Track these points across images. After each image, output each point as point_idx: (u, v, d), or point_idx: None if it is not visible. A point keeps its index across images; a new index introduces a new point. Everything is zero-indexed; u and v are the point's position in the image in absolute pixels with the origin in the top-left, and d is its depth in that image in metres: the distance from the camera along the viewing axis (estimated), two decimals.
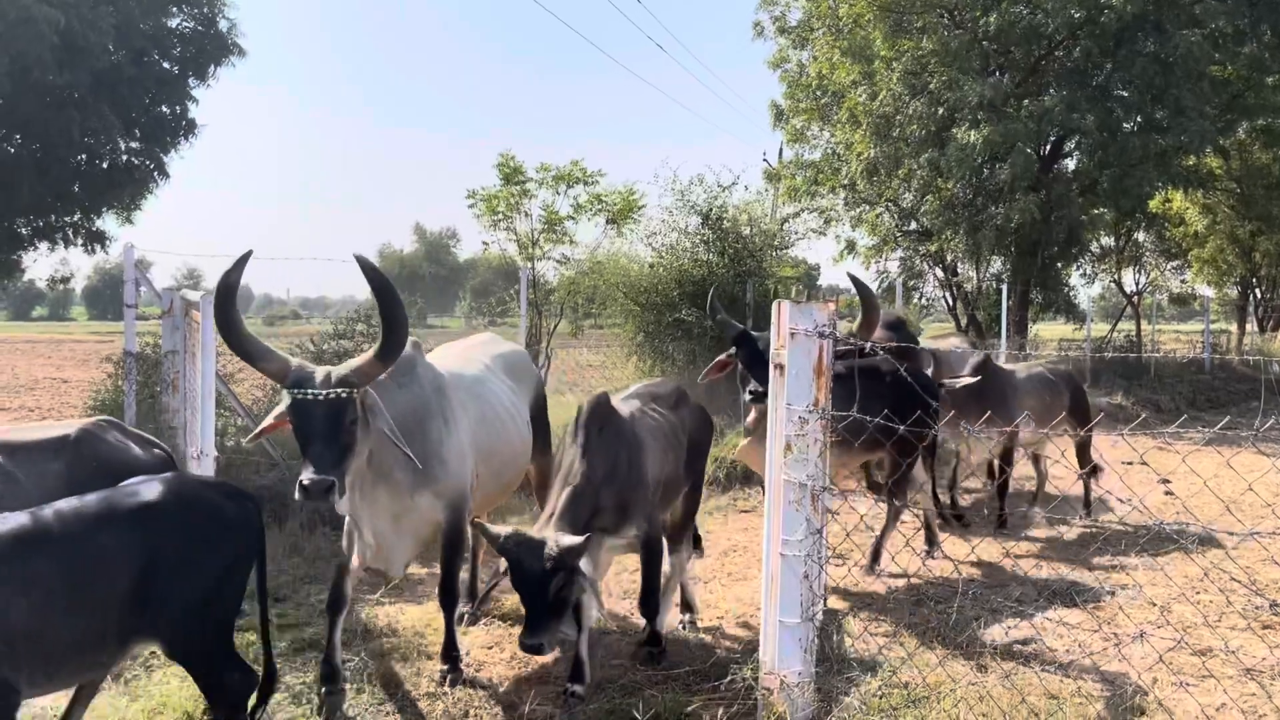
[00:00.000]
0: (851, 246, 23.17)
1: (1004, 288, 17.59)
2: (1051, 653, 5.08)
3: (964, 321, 23.22)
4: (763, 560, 3.97)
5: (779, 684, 3.79)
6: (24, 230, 10.49)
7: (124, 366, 6.72)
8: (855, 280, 6.96)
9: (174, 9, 10.08)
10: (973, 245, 18.82)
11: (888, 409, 4.87)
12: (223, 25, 10.13)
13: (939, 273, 22.97)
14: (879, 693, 3.90)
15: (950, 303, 23.48)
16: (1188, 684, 4.61)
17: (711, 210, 11.83)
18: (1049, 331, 29.59)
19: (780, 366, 3.82)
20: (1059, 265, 21.73)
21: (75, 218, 10.52)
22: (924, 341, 8.63)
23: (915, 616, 5.58)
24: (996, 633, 5.32)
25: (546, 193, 14.55)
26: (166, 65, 9.93)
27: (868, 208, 21.32)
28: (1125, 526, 7.55)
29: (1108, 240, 25.17)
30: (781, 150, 24.79)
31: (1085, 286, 25.55)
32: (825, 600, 5.64)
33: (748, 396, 6.10)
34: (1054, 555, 7.08)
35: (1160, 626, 5.41)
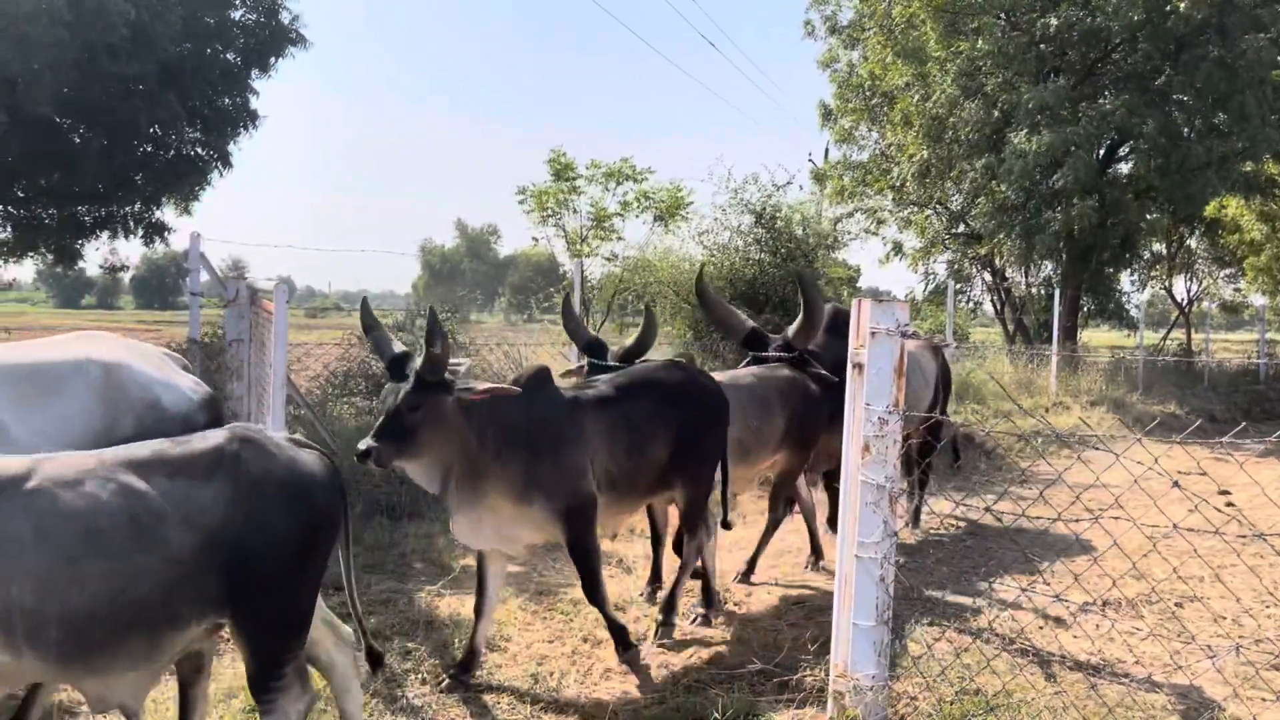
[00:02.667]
0: (899, 248, 22.98)
1: (1056, 294, 17.32)
2: (1121, 663, 4.99)
3: (1011, 327, 22.96)
4: (836, 562, 3.92)
5: (852, 687, 3.74)
6: (87, 219, 10.66)
7: (189, 354, 6.79)
8: (800, 278, 6.66)
9: (239, 2, 10.19)
10: (1025, 249, 18.58)
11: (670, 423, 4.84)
12: (285, 17, 10.22)
13: (987, 276, 22.72)
14: (953, 699, 3.84)
15: (998, 307, 23.21)
16: (1265, 699, 4.51)
17: (765, 209, 11.77)
18: (1099, 339, 29.17)
19: (859, 366, 3.77)
20: (1111, 271, 21.42)
21: (136, 207, 10.66)
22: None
23: (977, 621, 5.50)
24: (1064, 641, 5.24)
25: (595, 189, 14.62)
26: (229, 57, 10.03)
27: (916, 209, 21.12)
28: (1185, 538, 7.39)
29: (1159, 246, 24.76)
30: (828, 150, 24.65)
31: (1135, 293, 25.15)
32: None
33: None
34: (1113, 564, 6.96)
35: (1230, 639, 5.30)
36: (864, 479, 3.71)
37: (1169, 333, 26.78)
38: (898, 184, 19.83)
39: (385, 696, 4.32)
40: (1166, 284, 26.88)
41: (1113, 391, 16.22)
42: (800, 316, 6.23)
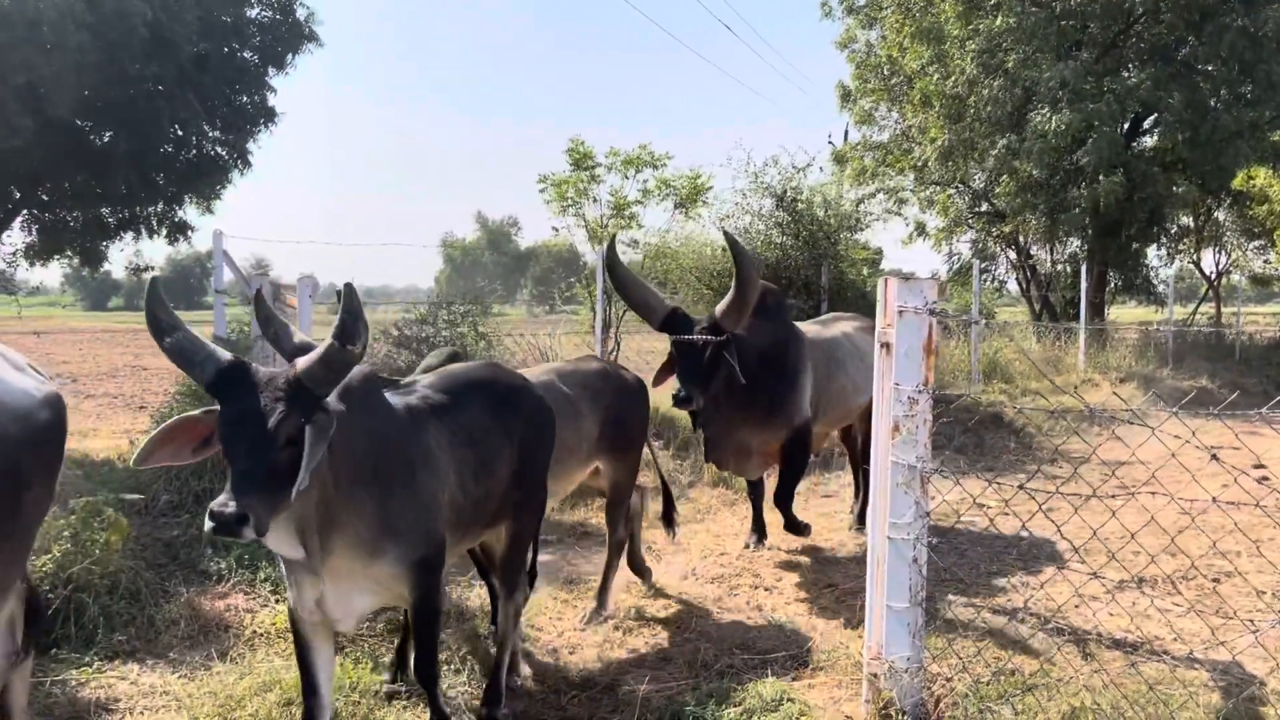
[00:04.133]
0: (921, 229, 22.82)
1: (1082, 270, 17.14)
2: (1160, 641, 4.93)
3: (1037, 305, 22.74)
4: (868, 544, 3.89)
5: (886, 669, 3.71)
6: (111, 220, 10.72)
7: None
8: (730, 240, 5.87)
9: (254, 0, 10.21)
10: (1051, 227, 18.38)
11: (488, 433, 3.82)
12: (300, 14, 10.23)
13: (1011, 254, 22.52)
14: (989, 679, 3.80)
15: (1023, 285, 23.00)
16: None
17: (786, 192, 11.70)
18: (1127, 315, 28.86)
19: (887, 345, 3.73)
20: (1138, 246, 21.16)
21: (159, 208, 10.72)
22: (811, 325, 7.10)
23: (1012, 600, 5.46)
24: (1100, 619, 5.18)
25: (615, 177, 14.55)
26: (246, 55, 10.06)
27: (938, 189, 20.95)
28: (1225, 511, 7.30)
29: (1187, 220, 24.42)
30: (847, 132, 24.49)
31: (1163, 267, 24.82)
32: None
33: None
34: (1149, 540, 6.88)
35: (1271, 613, 5.23)
36: (895, 460, 3.68)
37: (1198, 307, 26.44)
38: (919, 165, 19.67)
39: (414, 684, 4.33)
40: (1195, 257, 26.55)
41: (1142, 367, 16.04)
42: (731, 291, 5.58)
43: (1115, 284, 21.86)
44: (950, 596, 5.57)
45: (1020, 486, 4.26)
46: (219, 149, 10.02)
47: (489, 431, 3.76)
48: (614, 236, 6.30)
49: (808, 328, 6.82)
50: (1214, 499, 3.84)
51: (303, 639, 3.27)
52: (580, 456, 5.00)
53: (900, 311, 3.67)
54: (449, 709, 3.84)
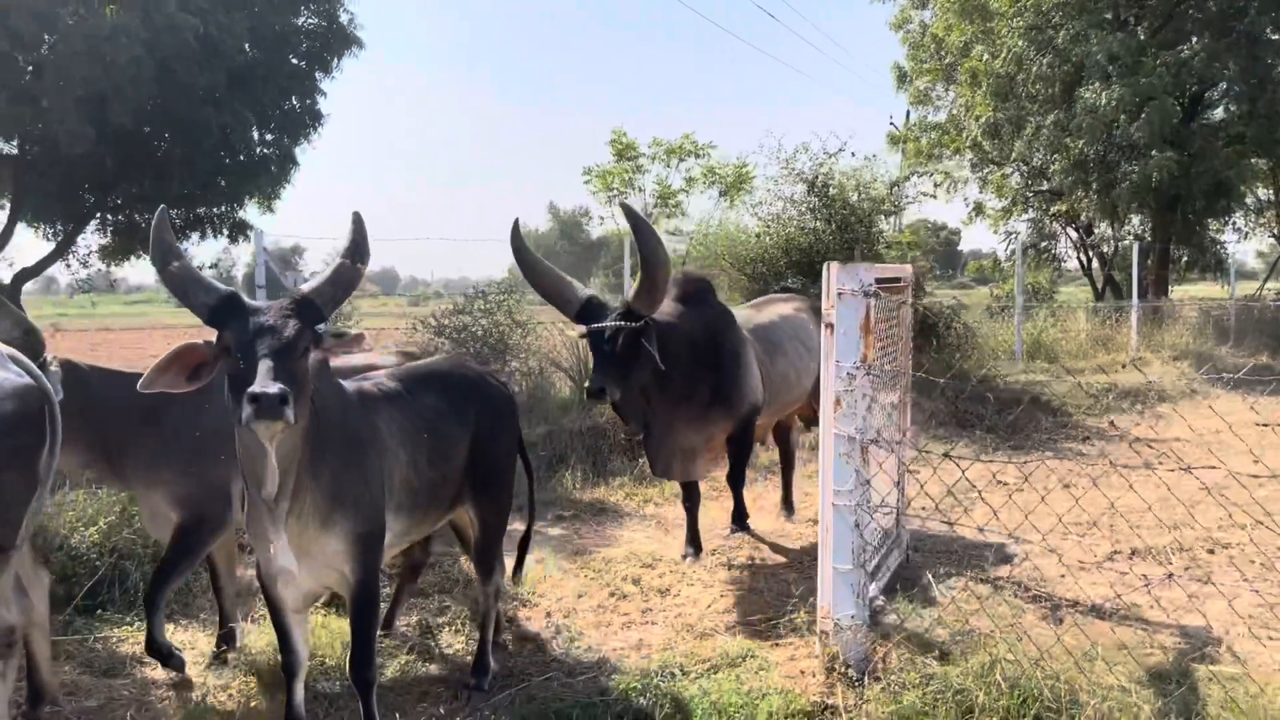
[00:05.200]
0: (979, 209, 22.63)
1: (1135, 247, 16.89)
2: (1138, 608, 5.09)
3: (1100, 284, 22.38)
4: (819, 512, 4.17)
5: (833, 627, 3.99)
6: (177, 221, 11.36)
7: None
8: (629, 216, 5.39)
9: (301, 7, 10.73)
10: (1106, 204, 18.13)
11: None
12: (343, 19, 10.73)
13: (1072, 233, 22.19)
14: (927, 630, 4.05)
15: (1084, 264, 22.65)
16: (1273, 637, 4.58)
17: (818, 177, 11.86)
18: (1198, 292, 28.15)
19: (830, 326, 3.99)
20: (1205, 221, 20.68)
21: (221, 209, 11.33)
22: (744, 309, 6.86)
23: (998, 571, 5.65)
24: (1084, 588, 5.36)
25: (659, 167, 14.88)
26: (295, 61, 10.59)
27: (994, 168, 20.76)
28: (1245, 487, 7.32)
29: (1266, 193, 23.73)
30: (909, 113, 24.37)
31: (1241, 242, 24.16)
32: (908, 554, 5.81)
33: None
34: (1166, 513, 6.97)
35: (1257, 582, 5.34)
36: (836, 432, 3.95)
37: (1265, 281, 25.65)
38: (969, 144, 19.53)
39: (420, 646, 4.74)
40: (1276, 231, 25.75)
41: (1200, 345, 15.78)
42: (640, 274, 5.25)
43: (1182, 260, 21.41)
44: (941, 568, 5.79)
45: (1040, 462, 4.48)
46: (269, 151, 10.59)
47: (443, 418, 3.95)
48: (516, 220, 5.36)
49: (741, 311, 6.60)
50: (1231, 472, 3.98)
51: (273, 600, 3.51)
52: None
53: (840, 294, 3.93)
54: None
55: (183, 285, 3.06)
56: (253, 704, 4.03)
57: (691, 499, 6.18)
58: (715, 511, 7.25)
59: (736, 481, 6.34)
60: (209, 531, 4.27)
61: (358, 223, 3.29)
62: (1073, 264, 23.39)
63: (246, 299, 3.08)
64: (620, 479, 7.87)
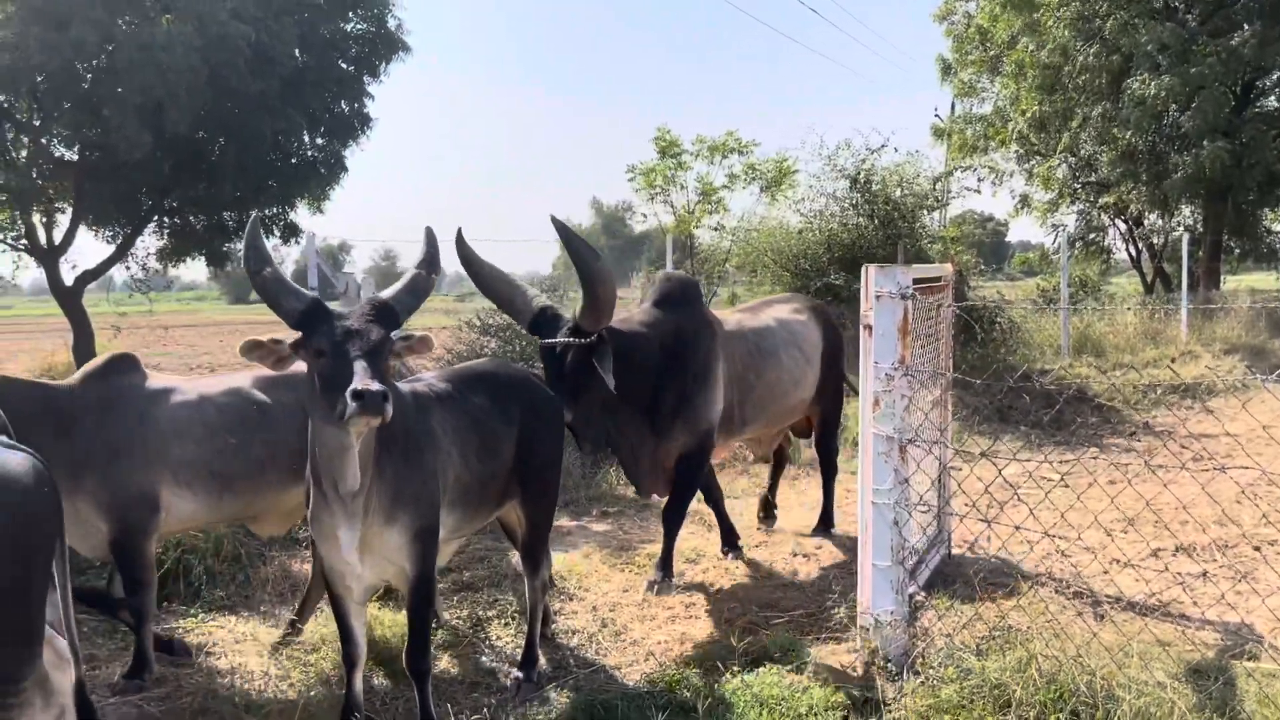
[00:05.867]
0: (1026, 201, 22.42)
1: (1185, 238, 16.66)
2: (1178, 604, 5.11)
3: (1150, 276, 22.08)
4: (858, 510, 4.25)
5: (873, 622, 4.08)
6: (230, 223, 11.65)
7: None
8: (559, 230, 4.93)
9: (350, 13, 10.96)
10: (1157, 195, 17.89)
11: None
12: (391, 24, 10.94)
13: (1121, 225, 21.90)
14: (965, 626, 4.12)
15: (1134, 256, 22.36)
16: None
17: (860, 174, 11.88)
18: (1250, 283, 27.61)
19: (869, 327, 4.08)
20: (1258, 212, 20.33)
21: (272, 211, 11.61)
22: (737, 312, 6.56)
23: (1037, 568, 5.69)
24: (1123, 585, 5.38)
25: (702, 164, 14.96)
26: (344, 66, 10.81)
27: (1040, 160, 20.56)
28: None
29: None
30: (953, 105, 24.20)
31: None
32: (950, 550, 5.86)
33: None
34: (1204, 510, 6.95)
35: None
36: (875, 432, 4.03)
37: None
38: (1015, 136, 19.36)
39: (470, 637, 4.90)
40: None
41: (1252, 338, 15.55)
42: (581, 292, 4.87)
43: (1235, 251, 21.07)
44: (980, 565, 5.84)
45: (1076, 460, 4.53)
46: (319, 154, 10.83)
47: (491, 417, 4.11)
48: (460, 229, 4.98)
49: (732, 315, 6.28)
50: (1266, 473, 4.03)
51: (336, 594, 3.72)
52: (280, 472, 4.57)
53: (878, 296, 4.01)
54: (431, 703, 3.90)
55: (274, 290, 3.29)
56: (312, 694, 4.20)
57: (714, 500, 6.18)
58: (785, 493, 7.35)
59: (675, 516, 5.68)
60: (141, 536, 4.25)
61: (430, 237, 3.57)
62: (1122, 255, 23.10)
63: (329, 305, 3.30)
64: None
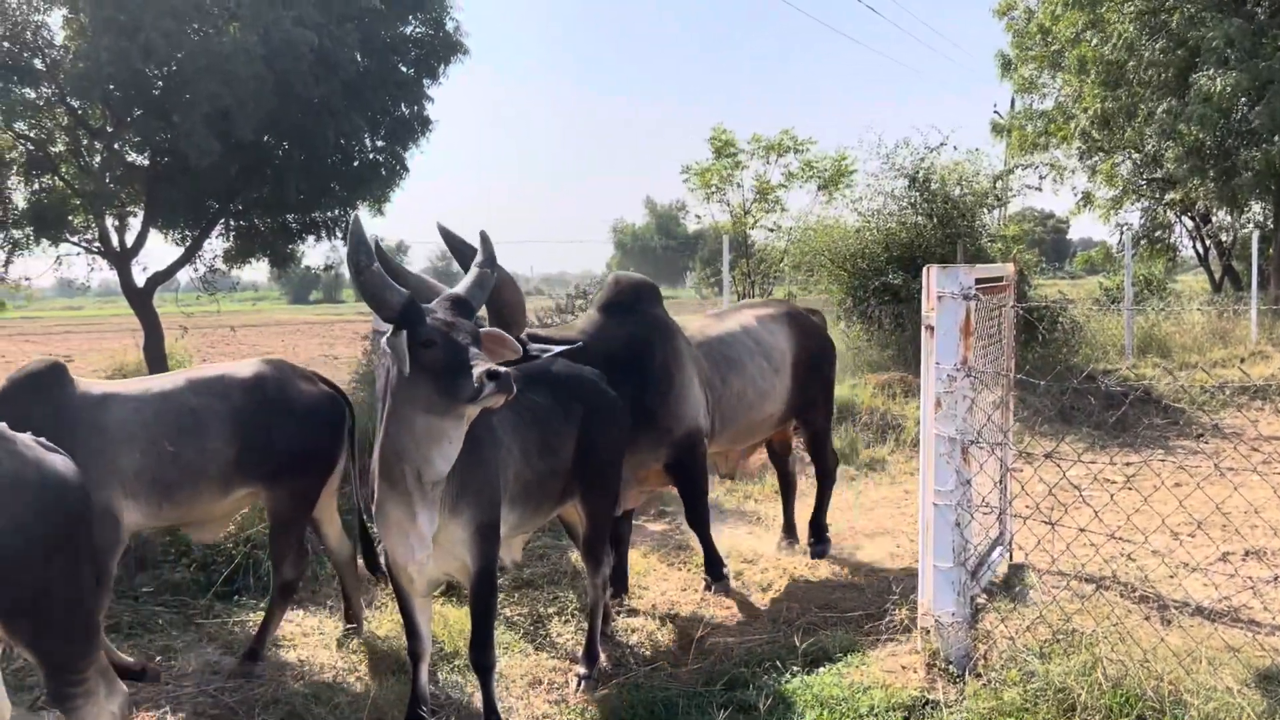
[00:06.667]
0: (1088, 199, 22.00)
1: (1255, 235, 16.24)
2: (1245, 610, 5.02)
3: (1218, 274, 21.57)
4: (919, 511, 4.24)
5: (934, 624, 4.06)
6: (294, 225, 11.88)
7: (373, 343, 7.69)
8: (444, 235, 4.50)
9: (410, 16, 11.10)
10: (1225, 192, 17.45)
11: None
12: (450, 26, 11.07)
13: (1187, 221, 21.42)
14: (1029, 628, 4.08)
15: (1201, 253, 21.85)
16: None
17: (919, 172, 11.77)
18: None
19: (930, 328, 4.06)
20: None
21: (334, 213, 11.81)
22: (702, 318, 6.19)
23: (1102, 570, 5.60)
24: (1191, 588, 5.29)
25: (758, 163, 14.92)
26: (404, 69, 10.97)
27: (1103, 157, 20.16)
28: None
29: None
30: (1013, 101, 23.84)
31: None
32: (1011, 552, 5.79)
33: None
34: (1274, 515, 6.79)
35: None
36: (936, 432, 4.02)
37: None
38: (1078, 133, 19.01)
39: (531, 634, 4.96)
40: None
41: None
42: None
43: None
44: (1044, 567, 5.76)
45: (1143, 462, 4.47)
46: (380, 157, 11.00)
47: (552, 415, 4.15)
48: (377, 241, 4.16)
49: (695, 321, 5.95)
50: None
51: (401, 588, 3.82)
52: (210, 479, 4.35)
53: (940, 297, 4.00)
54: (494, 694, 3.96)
55: (378, 286, 3.39)
56: (378, 687, 4.29)
57: (618, 534, 5.31)
58: (841, 493, 7.33)
59: (698, 523, 5.50)
60: (107, 555, 4.03)
61: (485, 239, 3.76)
62: (1189, 253, 22.59)
63: (416, 301, 3.44)
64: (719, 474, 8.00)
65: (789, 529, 6.43)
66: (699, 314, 6.51)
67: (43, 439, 3.04)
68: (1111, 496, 6.46)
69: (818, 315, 6.57)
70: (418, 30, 11.11)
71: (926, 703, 3.88)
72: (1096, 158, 20.36)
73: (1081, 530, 4.01)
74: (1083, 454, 8.25)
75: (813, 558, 6.03)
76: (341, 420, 4.70)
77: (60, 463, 2.98)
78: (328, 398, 4.69)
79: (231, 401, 4.37)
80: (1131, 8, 16.45)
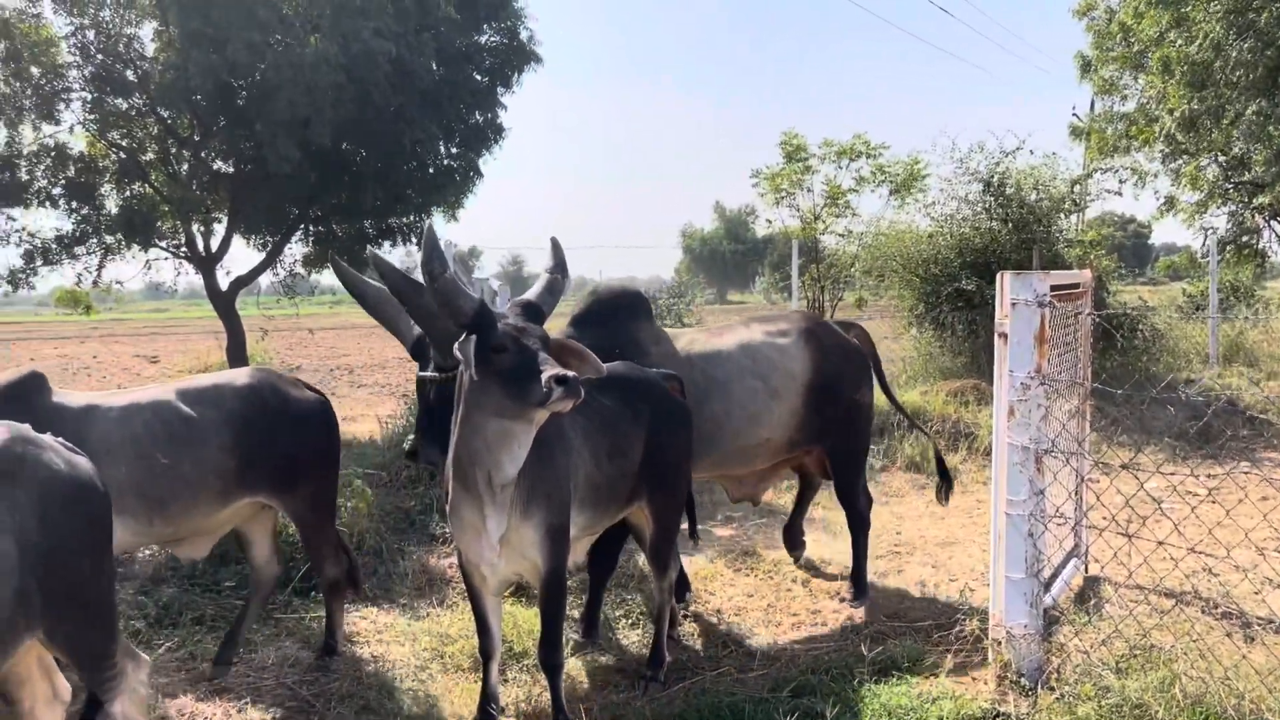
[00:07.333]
0: (1171, 203, 21.38)
1: None
2: None
3: None
4: (991, 520, 4.18)
5: (1006, 635, 4.01)
6: (370, 231, 12.15)
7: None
8: (374, 262, 4.30)
9: (484, 25, 11.29)
10: None
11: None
12: (524, 35, 11.22)
13: (1277, 227, 20.68)
14: (1104, 642, 4.00)
15: None
16: None
17: (994, 177, 11.58)
18: None
19: (1004, 335, 4.01)
20: None
21: (409, 219, 12.05)
22: (693, 332, 5.74)
23: (1181, 585, 5.46)
24: (1272, 606, 5.13)
25: (829, 167, 14.79)
26: (478, 77, 11.15)
27: (1188, 160, 19.58)
28: None
29: None
30: (1092, 104, 23.32)
31: None
32: (1086, 564, 5.68)
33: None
34: None
35: None
36: (1010, 441, 3.97)
37: None
38: (1162, 136, 18.49)
39: (599, 637, 5.00)
40: None
41: None
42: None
43: None
44: (1120, 581, 5.64)
45: (1226, 474, 4.37)
46: (455, 164, 11.19)
47: (620, 418, 4.18)
48: (341, 261, 4.74)
49: (685, 335, 5.52)
50: None
51: (474, 587, 3.92)
52: (208, 490, 4.25)
53: (1014, 303, 3.95)
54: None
55: (452, 293, 3.48)
56: (449, 684, 4.37)
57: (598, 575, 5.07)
58: (885, 517, 7.27)
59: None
60: None
61: (556, 246, 3.89)
62: (1279, 259, 21.82)
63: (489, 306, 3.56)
64: (787, 481, 7.96)
65: (791, 529, 6.00)
66: (693, 328, 6.16)
67: (63, 440, 3.12)
68: (1193, 509, 6.32)
69: (856, 330, 5.86)
70: (492, 39, 11.29)
71: (997, 715, 3.83)
72: (1181, 161, 19.76)
73: (1160, 543, 3.91)
74: (1162, 465, 8.04)
75: (850, 607, 5.47)
76: (336, 422, 4.73)
77: (86, 463, 3.09)
78: (320, 401, 4.68)
79: (228, 410, 4.30)
80: (1218, 6, 15.95)
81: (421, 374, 4.38)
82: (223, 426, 4.25)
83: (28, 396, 3.94)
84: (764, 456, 5.40)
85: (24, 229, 9.93)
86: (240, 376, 4.53)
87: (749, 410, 5.16)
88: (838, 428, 5.45)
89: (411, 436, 4.49)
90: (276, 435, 4.37)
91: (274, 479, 4.40)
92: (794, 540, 6.02)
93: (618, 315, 5.13)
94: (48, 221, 10.13)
